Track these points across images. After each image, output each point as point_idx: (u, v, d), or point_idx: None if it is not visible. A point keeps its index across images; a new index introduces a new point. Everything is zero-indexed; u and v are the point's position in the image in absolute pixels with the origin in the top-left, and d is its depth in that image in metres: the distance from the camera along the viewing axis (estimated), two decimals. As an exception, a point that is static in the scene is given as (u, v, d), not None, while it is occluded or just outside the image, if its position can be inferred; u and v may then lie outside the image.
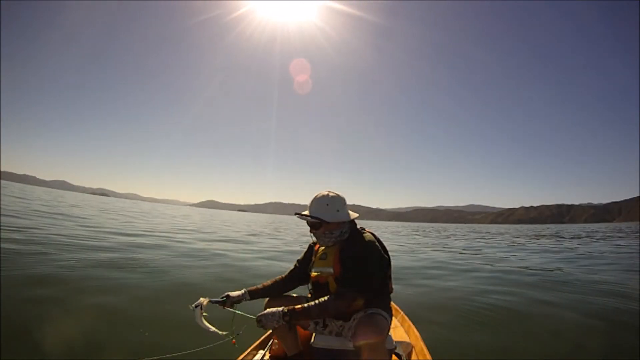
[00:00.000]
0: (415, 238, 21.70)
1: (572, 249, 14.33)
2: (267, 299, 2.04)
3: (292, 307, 1.73)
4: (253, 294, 2.02)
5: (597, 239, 21.53)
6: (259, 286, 2.08)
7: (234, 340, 1.79)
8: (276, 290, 2.06)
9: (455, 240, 20.69)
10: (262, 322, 1.71)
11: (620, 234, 28.27)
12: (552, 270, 7.76)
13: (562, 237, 24.63)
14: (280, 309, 1.73)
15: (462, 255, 11.41)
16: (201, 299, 1.87)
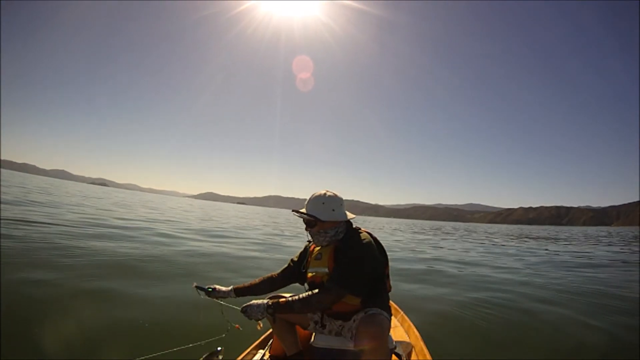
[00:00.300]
0: (413, 236, 21.63)
1: (570, 250, 14.29)
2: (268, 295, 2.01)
3: (276, 300, 1.75)
4: (239, 292, 2.01)
5: (596, 241, 21.50)
6: (247, 284, 2.06)
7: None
8: (264, 289, 2.04)
9: (454, 239, 20.64)
10: (247, 312, 1.70)
11: (618, 238, 28.28)
12: (551, 271, 7.77)
13: (560, 239, 24.65)
14: (265, 301, 1.74)
15: (461, 254, 11.39)
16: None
